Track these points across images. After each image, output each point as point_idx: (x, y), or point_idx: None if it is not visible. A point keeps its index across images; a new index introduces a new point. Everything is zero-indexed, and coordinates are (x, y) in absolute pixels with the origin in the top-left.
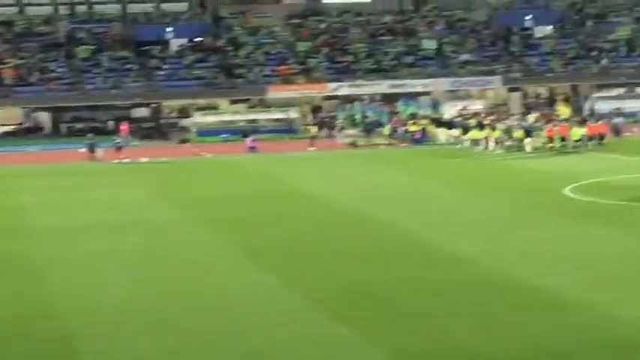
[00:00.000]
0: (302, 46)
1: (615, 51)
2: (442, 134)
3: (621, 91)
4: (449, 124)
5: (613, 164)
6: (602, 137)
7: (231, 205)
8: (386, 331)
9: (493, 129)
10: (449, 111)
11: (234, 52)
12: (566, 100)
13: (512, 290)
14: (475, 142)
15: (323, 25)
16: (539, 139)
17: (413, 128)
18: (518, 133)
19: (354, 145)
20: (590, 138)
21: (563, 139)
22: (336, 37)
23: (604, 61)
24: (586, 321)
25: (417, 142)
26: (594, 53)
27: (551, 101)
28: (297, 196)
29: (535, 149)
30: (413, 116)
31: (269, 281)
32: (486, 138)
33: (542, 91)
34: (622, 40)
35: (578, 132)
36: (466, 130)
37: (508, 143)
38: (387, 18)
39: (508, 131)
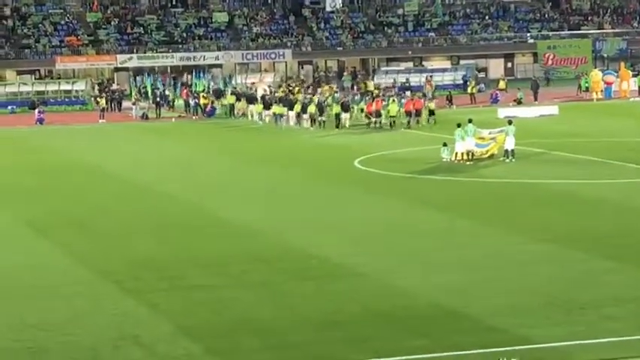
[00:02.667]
0: (91, 17)
1: (403, 26)
2: (255, 110)
3: (409, 65)
4: (263, 101)
5: (403, 137)
6: (418, 114)
7: (17, 178)
8: (172, 303)
9: (305, 104)
10: (261, 86)
11: (21, 22)
12: (354, 74)
13: (295, 260)
14: (279, 117)
15: None
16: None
17: (204, 101)
18: (335, 108)
19: (145, 117)
20: (407, 114)
21: (378, 115)
22: (126, 8)
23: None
24: (364, 289)
25: (209, 115)
26: (389, 30)
27: (340, 74)
28: (85, 169)
29: (351, 126)
30: (219, 91)
31: (56, 255)
32: (298, 114)
33: (333, 64)
34: (410, 15)
35: (394, 108)
36: (269, 105)
37: (321, 119)
38: None
39: (321, 106)
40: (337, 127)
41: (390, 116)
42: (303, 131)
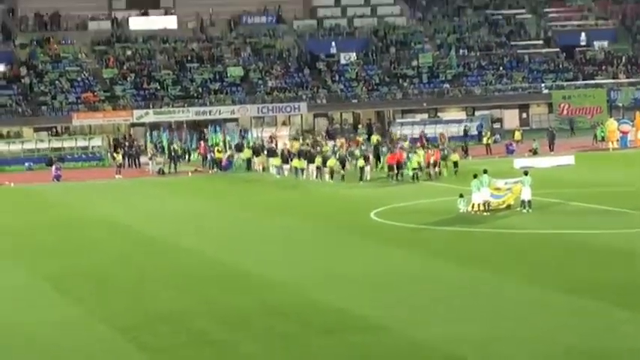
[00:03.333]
0: (107, 73)
1: (418, 77)
2: (273, 164)
3: (424, 116)
4: (281, 154)
5: (420, 189)
6: (435, 164)
7: (33, 235)
8: (190, 358)
9: (326, 158)
10: (281, 140)
11: (38, 80)
12: (369, 126)
13: (317, 313)
14: (300, 170)
15: (129, 52)
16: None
17: (219, 155)
18: (360, 162)
19: (161, 172)
20: (427, 165)
21: (399, 167)
22: (142, 63)
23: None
24: (383, 342)
25: (225, 169)
26: (404, 82)
27: (355, 127)
28: (102, 224)
29: (372, 179)
30: (239, 146)
31: (73, 311)
32: (318, 167)
33: (348, 116)
34: (424, 67)
35: (416, 159)
36: (287, 158)
37: (342, 172)
38: (194, 45)
39: (342, 160)
40: (361, 179)
41: (413, 168)
42: (322, 184)
